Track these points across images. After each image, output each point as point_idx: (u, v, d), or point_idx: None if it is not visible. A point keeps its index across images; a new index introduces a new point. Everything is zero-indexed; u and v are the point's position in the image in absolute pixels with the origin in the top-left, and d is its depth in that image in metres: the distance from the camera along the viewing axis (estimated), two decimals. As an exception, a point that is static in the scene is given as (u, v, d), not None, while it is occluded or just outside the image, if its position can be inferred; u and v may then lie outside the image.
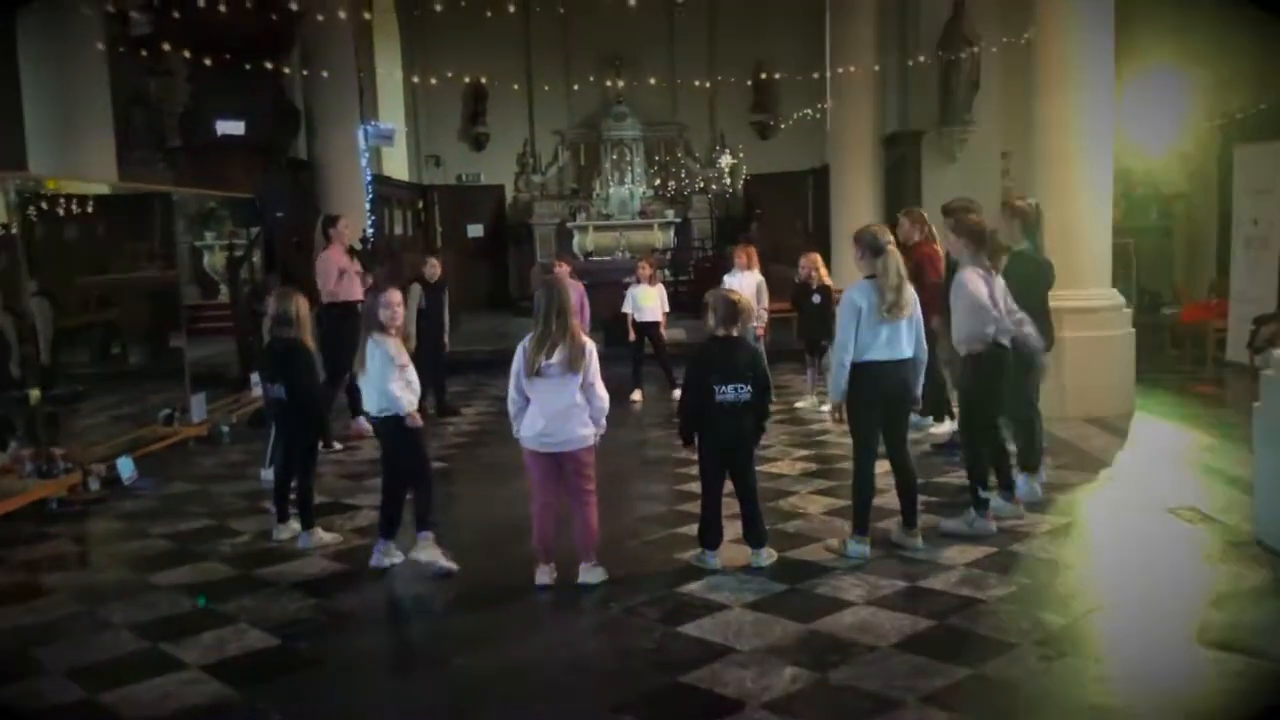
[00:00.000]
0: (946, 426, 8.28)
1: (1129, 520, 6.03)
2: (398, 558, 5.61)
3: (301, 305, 6.19)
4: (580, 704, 3.99)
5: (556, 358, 4.98)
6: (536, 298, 5.16)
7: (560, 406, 5.05)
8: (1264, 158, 11.11)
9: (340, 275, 8.90)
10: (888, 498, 5.93)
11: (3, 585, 5.58)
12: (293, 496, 6.15)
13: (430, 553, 5.47)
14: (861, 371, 5.38)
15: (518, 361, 5.09)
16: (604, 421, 5.23)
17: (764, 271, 10.57)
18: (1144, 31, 12.36)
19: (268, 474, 7.42)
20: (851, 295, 5.43)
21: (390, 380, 5.42)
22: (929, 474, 6.98)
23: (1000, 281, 5.99)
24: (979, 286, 5.74)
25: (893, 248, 5.46)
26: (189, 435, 9.16)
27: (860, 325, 5.36)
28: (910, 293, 5.47)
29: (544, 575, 5.20)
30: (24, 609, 5.19)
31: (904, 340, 5.45)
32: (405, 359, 5.57)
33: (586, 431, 5.11)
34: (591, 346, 5.12)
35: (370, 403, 5.53)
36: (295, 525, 6.14)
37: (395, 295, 5.65)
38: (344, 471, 7.93)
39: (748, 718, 3.74)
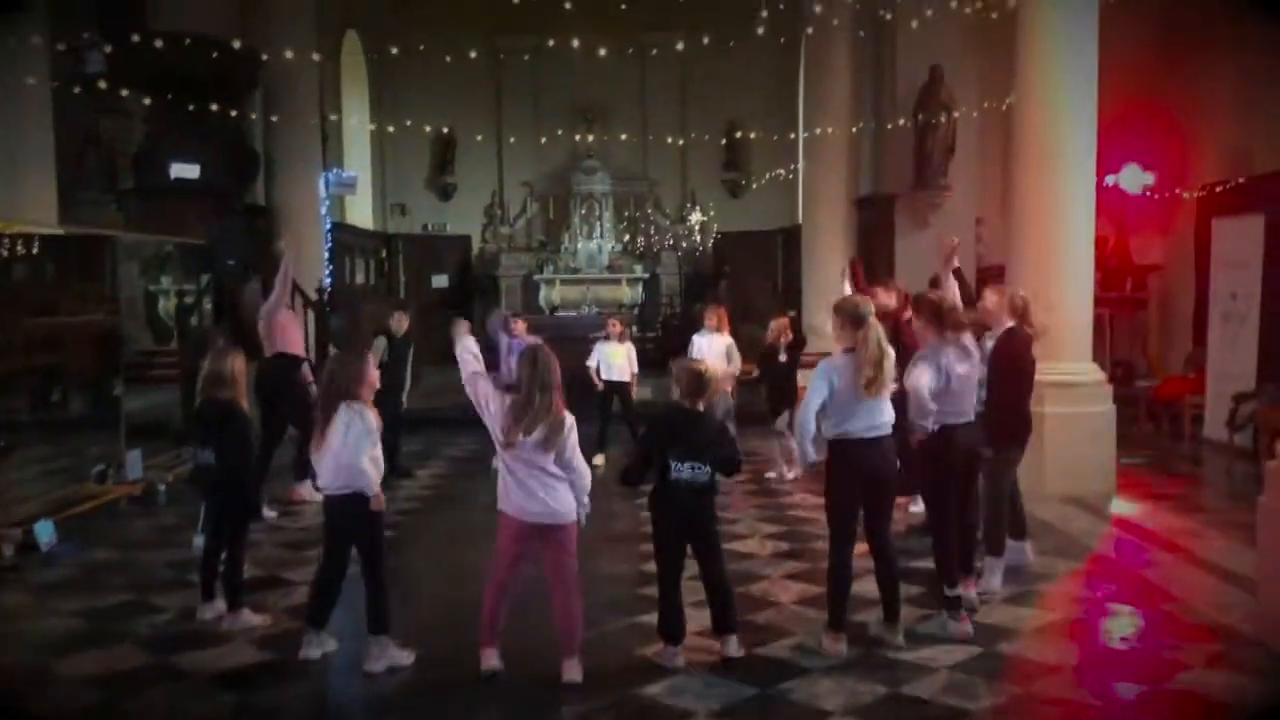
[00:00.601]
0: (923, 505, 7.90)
1: (1121, 617, 5.64)
2: (330, 646, 5.11)
3: (238, 364, 5.75)
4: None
5: (535, 435, 4.59)
6: (521, 364, 4.74)
7: (540, 479, 4.66)
8: (1243, 231, 10.96)
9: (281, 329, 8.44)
10: (866, 584, 5.52)
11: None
12: (222, 569, 5.65)
13: (386, 659, 4.95)
14: (838, 449, 5.01)
15: (496, 426, 4.66)
16: (587, 500, 4.83)
17: (733, 332, 10.26)
18: (1123, 102, 12.26)
19: (199, 541, 6.91)
20: (826, 369, 5.07)
21: (364, 456, 4.90)
22: (907, 559, 6.55)
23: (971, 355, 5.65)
24: (926, 372, 5.37)
25: (874, 319, 5.10)
26: (121, 495, 8.60)
27: (836, 399, 4.98)
28: (890, 367, 5.10)
29: (490, 659, 4.75)
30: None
31: (884, 414, 5.08)
32: (377, 432, 5.06)
33: (567, 506, 4.72)
34: (571, 421, 4.71)
35: (329, 478, 4.93)
36: (221, 605, 5.63)
37: (370, 361, 5.19)
38: (283, 540, 7.41)
39: None
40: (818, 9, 12.58)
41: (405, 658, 4.99)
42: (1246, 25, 11.64)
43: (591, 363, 10.38)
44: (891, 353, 5.11)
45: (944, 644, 5.16)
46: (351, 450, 4.85)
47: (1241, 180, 11.60)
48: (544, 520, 4.68)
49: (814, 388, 5.06)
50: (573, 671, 4.71)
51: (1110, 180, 13.26)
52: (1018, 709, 4.42)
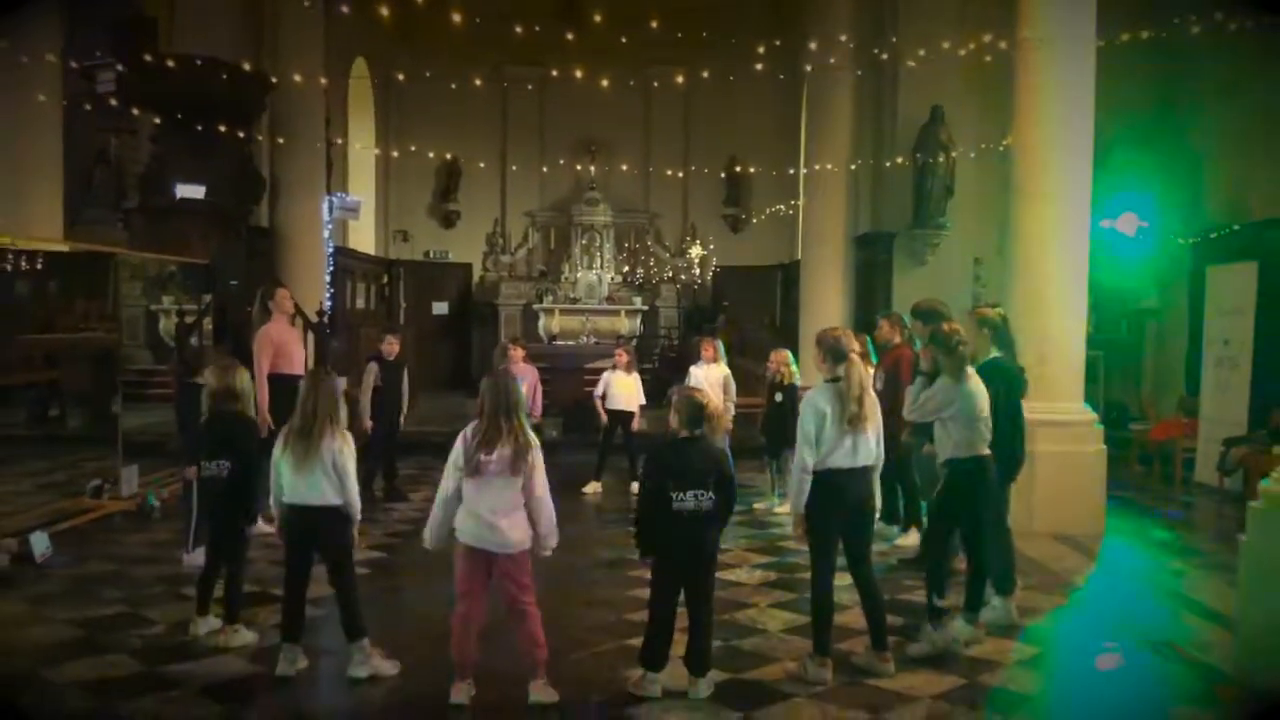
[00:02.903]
0: (914, 538, 7.97)
1: (1103, 653, 5.69)
2: (303, 663, 5.19)
3: (245, 379, 5.86)
4: None
5: (497, 455, 4.63)
6: (482, 389, 4.80)
7: (498, 506, 4.67)
8: (1237, 278, 11.07)
9: (278, 349, 8.50)
10: (852, 614, 5.61)
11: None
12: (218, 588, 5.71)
13: (370, 665, 5.04)
14: (823, 480, 5.08)
15: (456, 452, 4.72)
16: (554, 538, 4.84)
17: (730, 365, 10.34)
18: (1120, 146, 12.44)
19: (191, 557, 6.98)
20: (815, 399, 5.15)
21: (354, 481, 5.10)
22: (895, 591, 6.64)
23: (980, 387, 5.77)
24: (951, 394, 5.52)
25: (855, 356, 5.19)
26: (115, 510, 8.65)
27: (824, 432, 5.06)
28: (872, 401, 5.19)
29: (458, 694, 4.75)
30: (-104, 704, 4.70)
31: (867, 448, 5.16)
32: None
33: (522, 536, 4.72)
34: (537, 447, 4.75)
35: (302, 493, 5.04)
36: (214, 620, 5.67)
37: (339, 384, 5.30)
38: (277, 557, 7.40)
39: None
40: (813, 46, 12.76)
41: (390, 668, 5.06)
42: (1243, 76, 11.83)
43: (599, 391, 10.45)
44: (871, 389, 5.21)
45: (928, 671, 5.21)
46: (347, 468, 5.01)
47: (1236, 227, 11.74)
48: (494, 549, 4.71)
49: (807, 422, 5.11)
50: (539, 693, 4.74)
51: (1107, 224, 13.44)
52: (998, 739, 4.47)
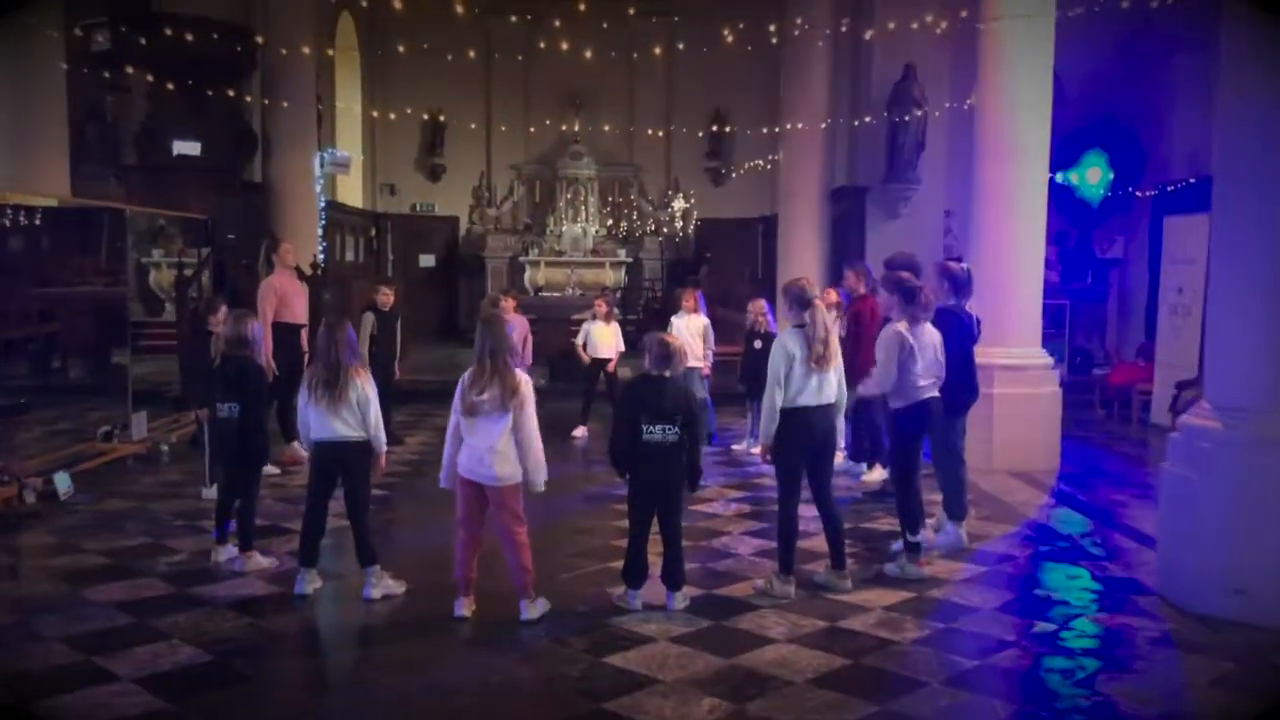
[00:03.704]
0: (878, 473, 8.53)
1: (1042, 572, 6.29)
2: (319, 583, 5.73)
3: (255, 327, 6.33)
4: (505, 727, 4.13)
5: (488, 394, 5.13)
6: (477, 334, 5.32)
7: (489, 443, 5.18)
8: (1190, 229, 11.59)
9: (281, 300, 8.97)
10: (816, 541, 6.18)
11: (-65, 594, 5.60)
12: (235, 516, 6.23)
13: (383, 586, 5.60)
14: (790, 417, 5.61)
15: (457, 397, 5.24)
16: (541, 475, 5.31)
17: (712, 315, 10.82)
18: (1085, 99, 12.91)
19: (209, 492, 7.49)
20: (783, 342, 5.67)
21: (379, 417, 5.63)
22: (858, 520, 7.22)
23: (934, 334, 6.29)
24: (886, 348, 6.04)
25: (819, 301, 5.72)
26: (128, 453, 9.14)
27: (792, 373, 5.59)
28: (835, 344, 5.72)
29: (460, 607, 5.32)
30: (-45, 618, 5.22)
31: (831, 388, 5.69)
32: None
33: (511, 471, 5.23)
34: (527, 386, 5.25)
35: (334, 429, 5.52)
36: (233, 549, 6.20)
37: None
38: (282, 496, 7.97)
39: (666, 745, 3.90)
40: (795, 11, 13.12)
41: (398, 587, 5.64)
42: (1207, 30, 12.27)
43: (579, 340, 10.96)
44: (834, 331, 5.75)
45: (880, 588, 5.80)
46: (373, 403, 5.56)
47: (1192, 180, 12.26)
48: (486, 481, 5.23)
49: (777, 365, 5.64)
50: (528, 611, 5.27)
51: (1071, 175, 13.96)
52: (940, 640, 5.04)
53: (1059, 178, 13.50)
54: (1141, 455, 10.56)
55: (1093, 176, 14.36)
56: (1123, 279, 14.80)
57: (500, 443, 5.18)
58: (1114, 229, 14.70)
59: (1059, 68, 9.61)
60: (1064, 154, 13.53)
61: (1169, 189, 12.67)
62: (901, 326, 6.20)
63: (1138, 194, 13.47)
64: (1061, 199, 13.69)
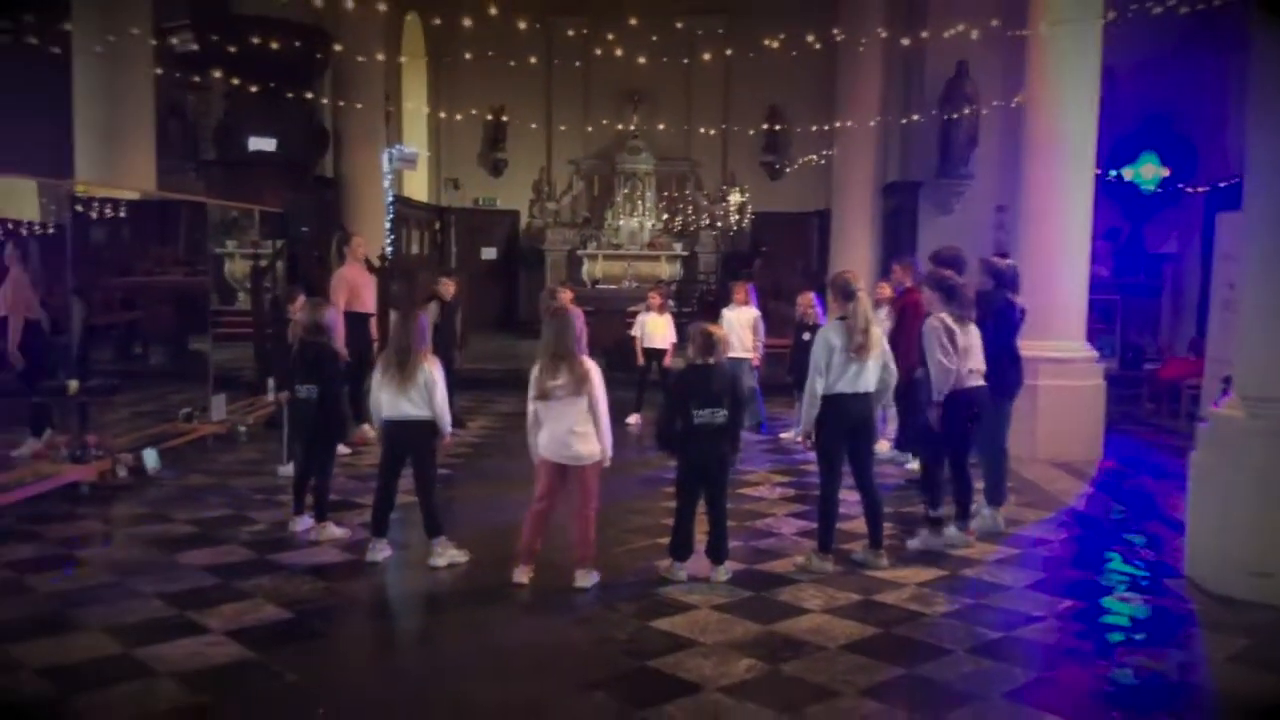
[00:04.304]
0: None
1: (1075, 554, 6.54)
2: (388, 551, 6.17)
3: (330, 315, 6.80)
4: (557, 680, 4.51)
5: (561, 381, 5.53)
6: (545, 327, 5.72)
7: (568, 425, 5.59)
8: (1242, 225, 11.63)
9: (352, 290, 9.45)
10: (856, 523, 6.50)
11: (42, 555, 6.13)
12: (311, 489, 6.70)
13: (447, 555, 6.02)
14: (830, 403, 5.93)
15: (531, 388, 5.65)
16: (609, 451, 5.73)
17: (764, 308, 11.11)
18: (1141, 95, 12.98)
19: (285, 470, 8.00)
20: (826, 334, 5.99)
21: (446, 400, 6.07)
22: (899, 505, 7.50)
23: (973, 329, 6.55)
24: (937, 339, 6.30)
25: (862, 294, 6.03)
26: (208, 433, 9.70)
27: (832, 362, 5.90)
28: (877, 334, 6.02)
29: (520, 574, 5.71)
30: (61, 576, 5.73)
31: (870, 376, 5.99)
32: None
33: (593, 449, 5.64)
34: (595, 371, 5.65)
35: (402, 409, 5.92)
36: (309, 519, 6.67)
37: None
38: (353, 474, 8.45)
39: (705, 699, 4.26)
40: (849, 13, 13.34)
41: (462, 556, 6.06)
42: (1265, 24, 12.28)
43: (635, 332, 11.32)
44: (876, 322, 6.05)
45: (916, 566, 6.10)
46: (441, 388, 5.97)
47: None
48: (569, 462, 5.65)
49: (819, 355, 5.96)
50: (583, 579, 5.67)
51: (1126, 171, 14.03)
52: (969, 613, 5.33)
53: (1112, 174, 13.62)
54: (1186, 449, 10.52)
55: (1147, 172, 14.41)
56: (1176, 274, 14.83)
57: (579, 424, 5.59)
58: (1168, 224, 14.73)
59: (1113, 64, 9.77)
60: (1119, 150, 13.64)
61: (1222, 185, 12.70)
62: (941, 317, 6.44)
63: (1191, 190, 13.50)
64: (1114, 194, 13.79)
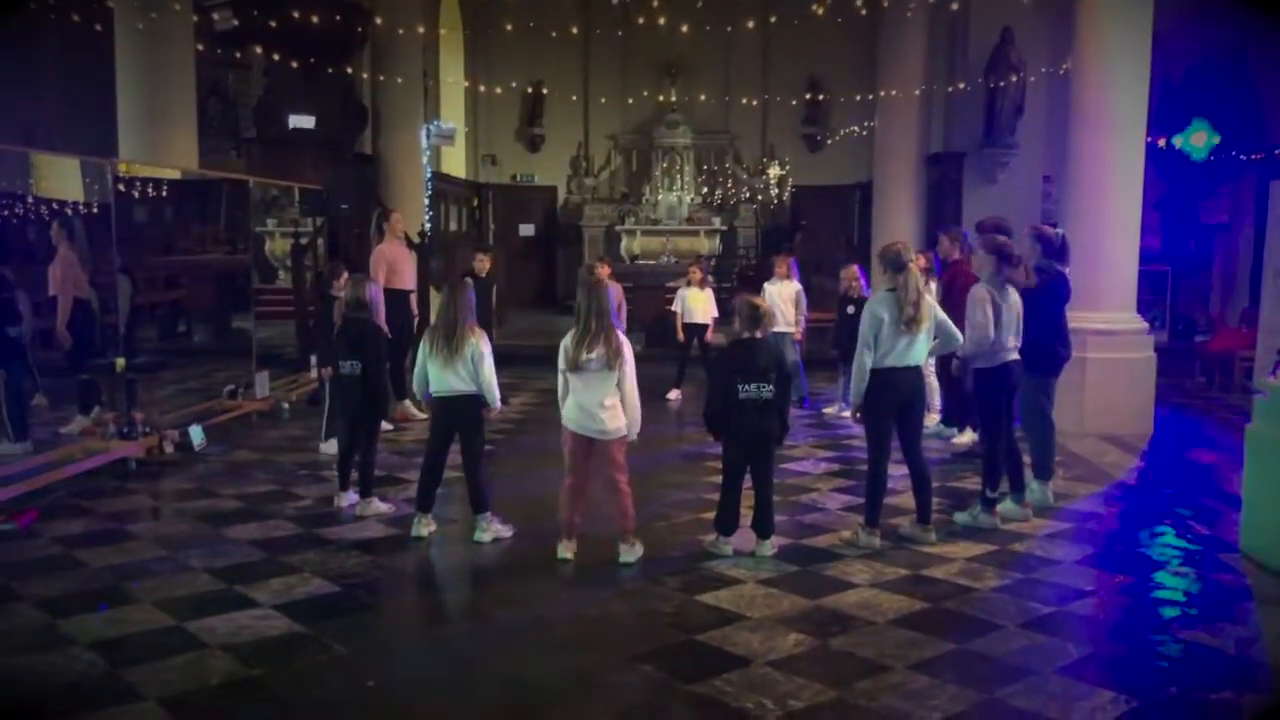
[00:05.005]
0: (969, 437, 8.69)
1: (1126, 529, 6.44)
2: (433, 526, 6.18)
3: (372, 291, 6.79)
4: (603, 653, 4.49)
5: (595, 354, 5.48)
6: (578, 299, 5.67)
7: (598, 398, 5.53)
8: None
9: (391, 267, 9.46)
10: (903, 498, 6.43)
11: (93, 530, 6.20)
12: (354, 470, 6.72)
13: (492, 531, 6.03)
14: (879, 377, 5.85)
15: (560, 359, 5.60)
16: (637, 428, 5.67)
17: (805, 282, 11.00)
18: (1193, 62, 12.68)
19: (326, 446, 8.04)
20: (874, 307, 5.90)
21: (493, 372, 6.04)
22: (946, 479, 7.42)
23: (1017, 298, 6.43)
24: (981, 307, 6.19)
25: (913, 265, 5.91)
26: (252, 409, 9.78)
27: (881, 335, 5.82)
28: (928, 305, 5.92)
29: (564, 550, 5.70)
30: (113, 549, 5.80)
31: (920, 349, 5.90)
32: None
33: (619, 424, 5.58)
34: (628, 347, 5.59)
35: (450, 384, 5.94)
36: (354, 495, 6.69)
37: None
38: (396, 449, 8.49)
39: (753, 673, 4.22)
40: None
41: (507, 530, 6.07)
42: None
43: (676, 307, 11.25)
44: (925, 294, 5.93)
45: (965, 541, 6.03)
46: (489, 364, 5.96)
47: (1301, 143, 12.00)
48: (594, 435, 5.59)
49: (867, 328, 5.86)
50: (626, 554, 5.64)
51: (1177, 139, 13.73)
52: (1019, 588, 5.26)
53: (1162, 142, 13.33)
54: (1238, 422, 10.42)
55: (1198, 140, 14.10)
56: (1228, 245, 14.53)
57: (608, 399, 5.54)
58: (1219, 194, 14.42)
59: (1163, 30, 9.53)
60: (1169, 117, 13.33)
61: (1278, 151, 12.40)
62: (987, 288, 6.33)
63: (1244, 158, 13.20)
64: (1163, 163, 13.51)
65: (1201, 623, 4.87)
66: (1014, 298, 6.40)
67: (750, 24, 15.55)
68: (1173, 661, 4.44)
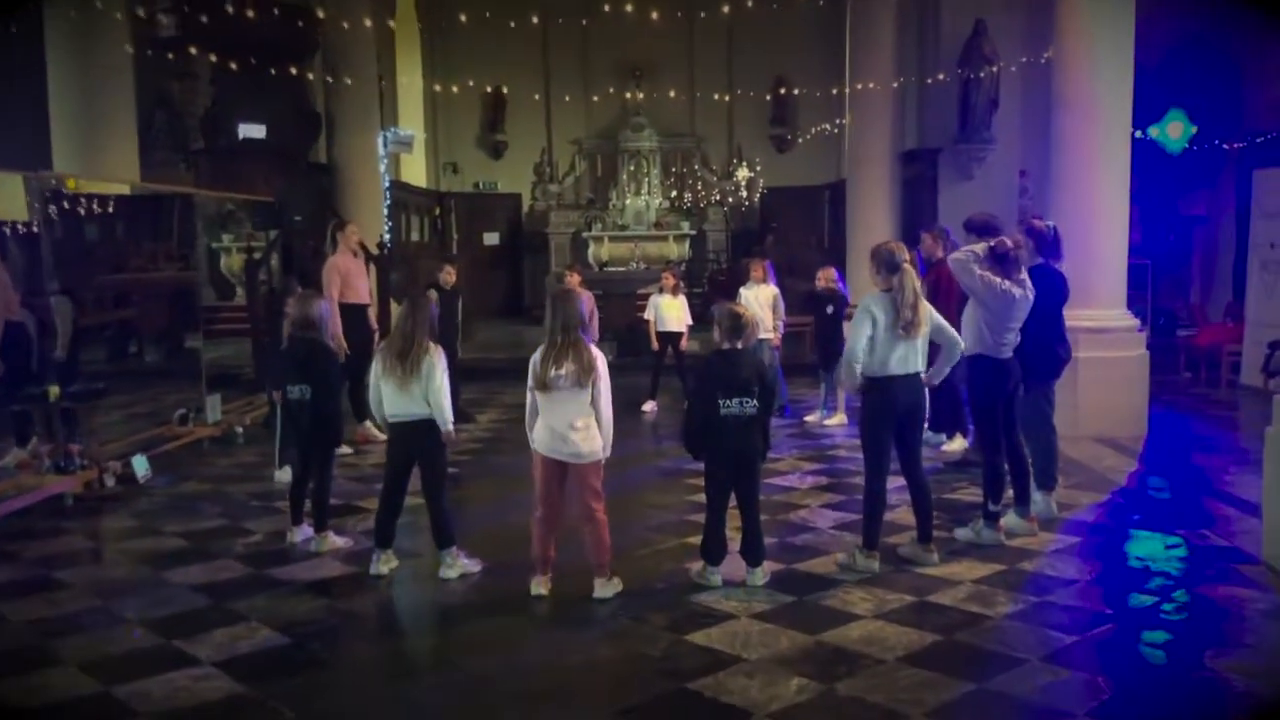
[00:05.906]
0: (959, 444, 8.31)
1: (1138, 541, 6.04)
2: (394, 563, 5.68)
3: (321, 308, 6.27)
4: (587, 707, 4.03)
5: (565, 370, 5.00)
6: (549, 309, 5.18)
7: (569, 419, 5.06)
8: (1281, 182, 11.11)
9: (345, 280, 8.95)
10: (898, 514, 6.00)
11: (19, 579, 5.65)
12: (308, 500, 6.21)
13: (459, 566, 5.53)
14: (877, 387, 5.41)
15: (531, 375, 5.13)
16: (608, 449, 5.19)
17: (780, 285, 10.60)
18: (1167, 51, 12.40)
19: (280, 474, 7.51)
20: (868, 304, 5.45)
21: (446, 391, 5.47)
22: (940, 491, 7.00)
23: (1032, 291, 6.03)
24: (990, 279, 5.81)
25: (908, 266, 5.48)
26: (203, 435, 9.23)
27: (877, 339, 5.38)
28: (925, 310, 5.49)
29: (538, 585, 5.22)
30: (40, 601, 5.26)
31: (918, 356, 5.48)
32: None
33: (594, 447, 5.10)
34: (602, 361, 5.12)
35: (406, 407, 5.44)
36: (308, 529, 6.18)
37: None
38: (355, 475, 7.97)
39: (754, 727, 3.77)
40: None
41: (475, 565, 5.57)
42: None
43: (649, 315, 10.80)
44: (923, 298, 5.50)
45: (969, 560, 5.60)
46: (440, 384, 5.40)
47: (1282, 131, 11.74)
48: (567, 459, 5.10)
49: (860, 322, 5.43)
50: (601, 589, 5.16)
51: (1153, 130, 13.45)
52: (1034, 614, 4.83)
53: (1139, 134, 13.02)
54: (1233, 419, 10.17)
55: (1174, 131, 13.83)
56: (1208, 236, 14.27)
57: (580, 419, 5.06)
58: (1197, 185, 14.16)
59: (1139, 17, 9.20)
60: (1145, 108, 13.02)
61: (1258, 140, 12.13)
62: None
63: (1224, 146, 12.93)
64: (1140, 155, 13.20)
65: (1236, 647, 4.46)
66: (1031, 289, 5.99)
67: (702, 14, 15.02)
68: (1215, 695, 4.02)
